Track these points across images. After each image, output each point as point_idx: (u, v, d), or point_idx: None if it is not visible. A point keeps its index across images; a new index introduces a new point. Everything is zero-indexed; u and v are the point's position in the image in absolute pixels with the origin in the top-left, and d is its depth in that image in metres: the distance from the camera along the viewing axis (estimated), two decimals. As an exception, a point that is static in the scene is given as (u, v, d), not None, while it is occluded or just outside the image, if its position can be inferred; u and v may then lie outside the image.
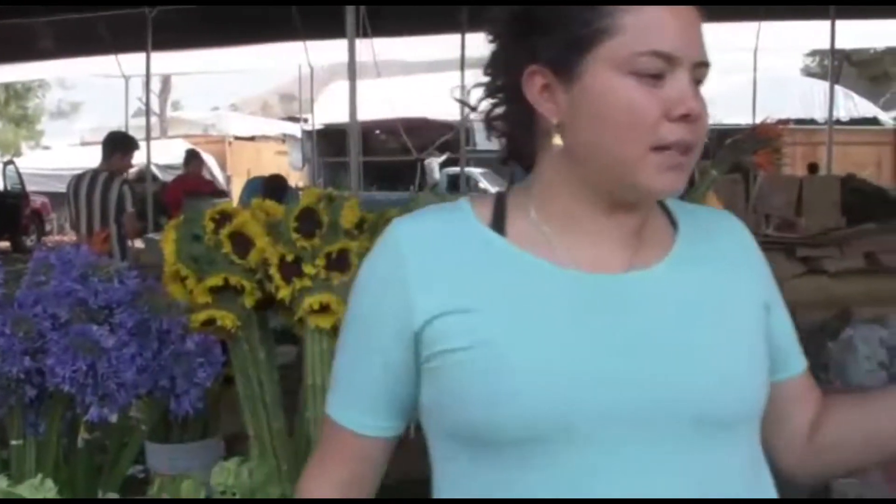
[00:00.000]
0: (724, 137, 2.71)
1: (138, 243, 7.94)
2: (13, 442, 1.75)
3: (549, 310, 1.03)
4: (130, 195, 6.39)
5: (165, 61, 12.26)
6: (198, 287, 1.80)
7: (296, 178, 17.74)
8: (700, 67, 1.04)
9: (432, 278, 1.05)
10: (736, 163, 3.28)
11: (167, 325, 1.82)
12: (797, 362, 1.22)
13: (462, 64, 8.80)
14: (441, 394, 1.05)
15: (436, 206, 1.18)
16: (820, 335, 3.48)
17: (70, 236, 16.24)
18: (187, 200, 6.53)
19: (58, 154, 22.81)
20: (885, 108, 18.99)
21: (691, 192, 3.00)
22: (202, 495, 1.74)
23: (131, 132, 8.64)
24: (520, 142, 1.14)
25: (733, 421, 1.07)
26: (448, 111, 10.49)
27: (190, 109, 26.73)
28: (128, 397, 1.68)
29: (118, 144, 6.68)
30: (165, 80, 23.33)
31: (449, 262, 1.06)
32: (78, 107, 31.78)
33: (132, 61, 12.27)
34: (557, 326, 1.02)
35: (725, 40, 12.82)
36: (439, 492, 1.11)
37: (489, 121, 1.16)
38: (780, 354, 1.18)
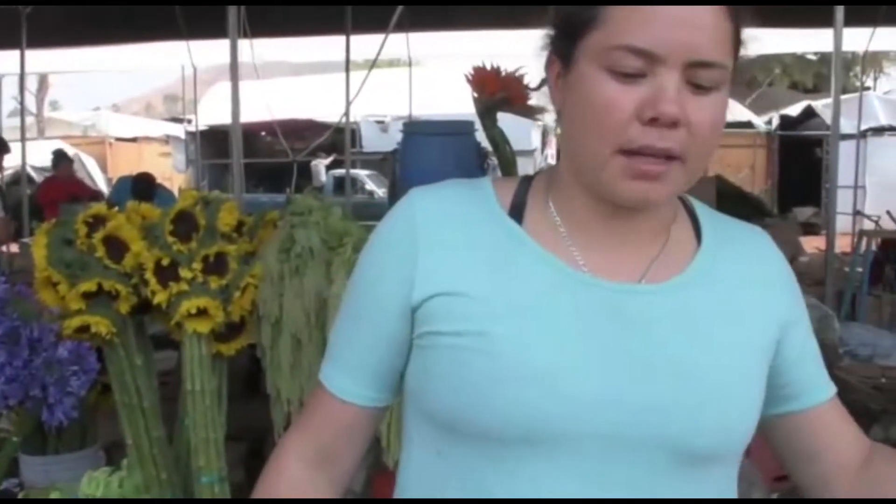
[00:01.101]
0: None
1: (13, 247, 7.67)
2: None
3: (549, 311, 0.98)
4: (1, 199, 6.20)
5: (42, 59, 11.83)
6: (70, 293, 1.76)
7: (179, 181, 17.38)
8: (699, 69, 0.93)
9: (440, 256, 1.01)
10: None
11: (38, 333, 1.77)
12: (824, 389, 1.13)
13: (347, 66, 8.79)
14: (426, 374, 1.01)
15: (458, 181, 1.10)
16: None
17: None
18: (63, 205, 6.34)
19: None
20: (753, 108, 19.68)
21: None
22: (73, 507, 1.71)
23: (5, 133, 8.34)
24: None
25: (711, 456, 1.01)
26: (333, 112, 10.45)
27: (69, 110, 25.90)
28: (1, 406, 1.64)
29: None
30: (42, 80, 22.55)
31: (459, 243, 1.01)
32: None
33: (6, 59, 11.82)
34: (553, 330, 0.97)
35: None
36: (404, 476, 1.09)
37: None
38: (804, 379, 1.10)
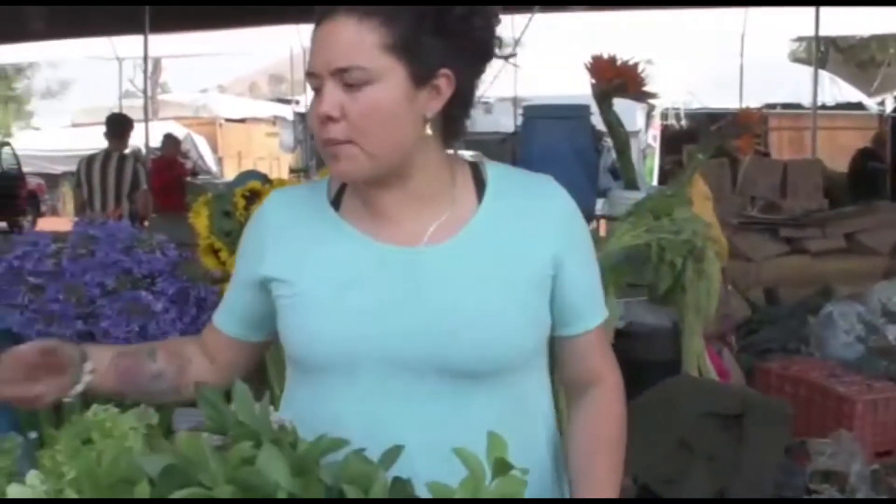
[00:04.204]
0: (711, 122, 2.89)
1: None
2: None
3: (345, 272, 1.32)
4: (144, 173, 6.70)
5: (156, 44, 12.33)
6: (230, 259, 1.98)
7: (287, 161, 17.80)
8: (342, 73, 1.23)
9: (277, 245, 1.37)
10: (721, 147, 3.45)
11: (203, 293, 1.99)
12: (580, 324, 1.41)
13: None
14: (281, 326, 1.37)
15: (304, 184, 1.54)
16: (802, 311, 3.66)
17: (66, 217, 16.31)
18: (189, 183, 6.74)
19: (49, 136, 22.79)
20: (876, 94, 19.12)
21: (679, 175, 3.17)
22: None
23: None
24: None
25: (473, 371, 1.29)
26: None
27: (178, 92, 26.65)
28: (172, 357, 1.85)
29: (125, 125, 6.95)
30: (156, 63, 23.32)
31: (289, 234, 1.37)
32: (67, 87, 31.68)
33: (125, 43, 12.36)
34: (344, 285, 1.30)
35: (712, 25, 12.98)
36: (283, 401, 1.43)
37: None
38: (568, 311, 1.39)
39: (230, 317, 1.47)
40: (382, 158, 1.27)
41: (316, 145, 1.34)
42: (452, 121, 1.34)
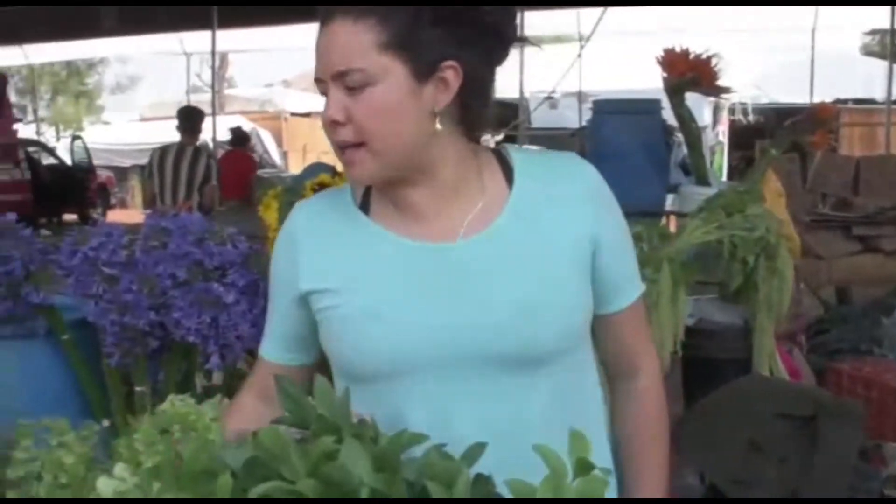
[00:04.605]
0: (781, 117, 2.85)
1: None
2: (138, 388, 1.94)
3: (385, 275, 1.30)
4: (216, 168, 6.80)
5: (223, 39, 12.50)
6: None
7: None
8: (343, 77, 1.23)
9: (310, 259, 1.34)
10: (793, 142, 3.39)
11: (273, 286, 2.00)
12: (619, 300, 1.39)
13: (522, 41, 8.93)
14: (326, 340, 1.35)
15: (326, 192, 1.49)
16: (875, 311, 3.58)
17: (134, 209, 16.62)
18: (256, 177, 6.82)
19: (118, 129, 23.26)
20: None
21: (751, 171, 3.12)
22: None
23: (191, 108, 8.89)
24: None
25: (525, 359, 1.28)
26: (501, 88, 10.55)
27: (243, 86, 27.00)
28: (243, 348, 1.87)
29: (197, 118, 7.05)
30: (223, 58, 23.66)
31: (323, 245, 1.35)
32: (136, 81, 32.29)
33: (192, 39, 12.55)
34: (386, 289, 1.29)
35: (783, 19, 12.75)
36: None
37: None
38: (607, 288, 1.36)
39: (277, 344, 1.44)
40: (392, 157, 1.26)
41: (333, 151, 1.32)
42: (470, 111, 1.30)
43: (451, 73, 1.24)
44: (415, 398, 1.28)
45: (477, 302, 1.27)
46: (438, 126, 1.27)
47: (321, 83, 1.26)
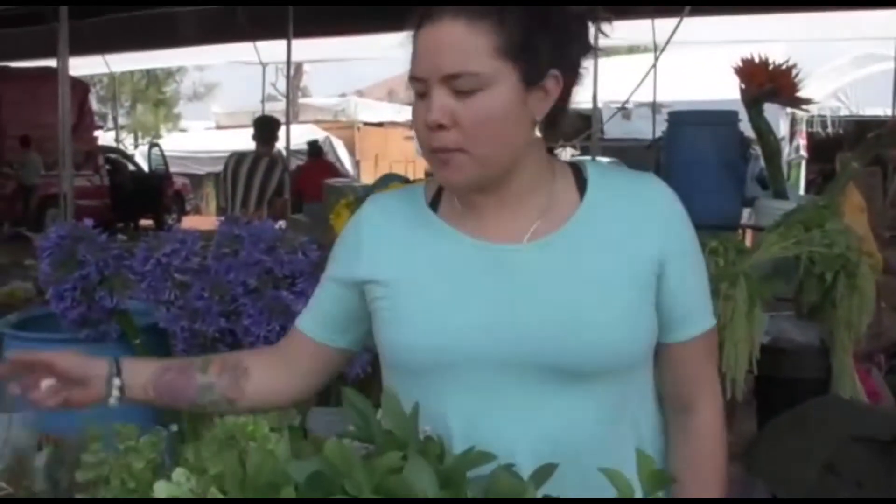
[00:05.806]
0: (860, 130, 2.77)
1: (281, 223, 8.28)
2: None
3: (444, 273, 1.30)
4: (288, 182, 6.78)
5: (298, 49, 12.65)
6: (370, 261, 1.98)
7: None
8: (453, 80, 1.20)
9: (374, 249, 1.35)
10: (875, 155, 3.29)
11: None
12: (685, 330, 1.34)
13: (595, 51, 8.87)
14: (376, 330, 1.36)
15: (399, 190, 1.48)
16: (963, 330, 3.45)
17: (208, 216, 16.91)
18: (326, 184, 6.82)
19: (194, 137, 23.70)
20: None
21: (831, 184, 3.04)
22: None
23: (266, 118, 8.98)
24: None
25: (581, 372, 1.25)
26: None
27: (317, 96, 27.31)
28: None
29: (273, 128, 7.02)
30: (298, 67, 23.98)
31: (388, 237, 1.35)
32: (212, 90, 32.91)
33: (268, 48, 12.71)
34: (452, 287, 1.29)
35: (863, 29, 12.46)
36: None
37: None
38: (672, 315, 1.32)
39: (315, 319, 1.44)
40: (493, 164, 1.25)
41: (420, 150, 1.32)
42: (553, 120, 1.30)
43: (553, 82, 1.24)
44: (459, 394, 1.27)
45: (525, 307, 1.26)
46: (537, 133, 1.28)
47: (419, 82, 1.23)
